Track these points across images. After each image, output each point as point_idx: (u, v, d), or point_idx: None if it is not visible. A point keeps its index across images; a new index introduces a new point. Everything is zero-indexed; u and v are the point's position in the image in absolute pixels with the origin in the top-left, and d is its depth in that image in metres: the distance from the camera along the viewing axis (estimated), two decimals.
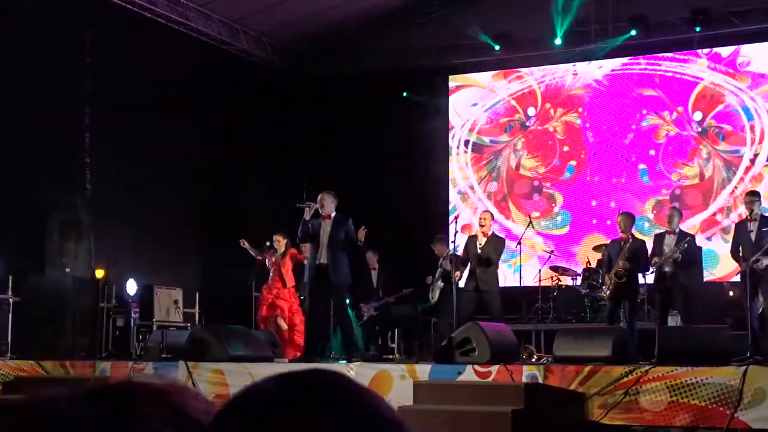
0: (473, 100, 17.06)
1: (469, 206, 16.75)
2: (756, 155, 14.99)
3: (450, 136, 17.12)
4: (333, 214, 11.08)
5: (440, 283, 12.94)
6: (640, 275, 11.94)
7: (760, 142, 14.98)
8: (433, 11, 16.40)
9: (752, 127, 15.04)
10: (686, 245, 11.40)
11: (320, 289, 11.02)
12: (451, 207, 16.86)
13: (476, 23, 15.98)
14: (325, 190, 11.26)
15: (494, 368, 8.81)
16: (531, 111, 16.54)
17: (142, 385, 1.09)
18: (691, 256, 11.63)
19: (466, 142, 17.04)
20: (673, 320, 11.88)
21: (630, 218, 12.09)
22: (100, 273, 13.37)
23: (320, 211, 11.05)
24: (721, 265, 14.59)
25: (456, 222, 12.43)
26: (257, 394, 1.07)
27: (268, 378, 1.08)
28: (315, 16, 16.15)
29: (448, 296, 12.81)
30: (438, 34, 16.40)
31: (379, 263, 14.36)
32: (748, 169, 15.00)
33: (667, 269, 11.50)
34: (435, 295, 13.02)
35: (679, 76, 15.55)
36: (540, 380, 8.57)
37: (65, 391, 1.08)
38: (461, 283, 12.15)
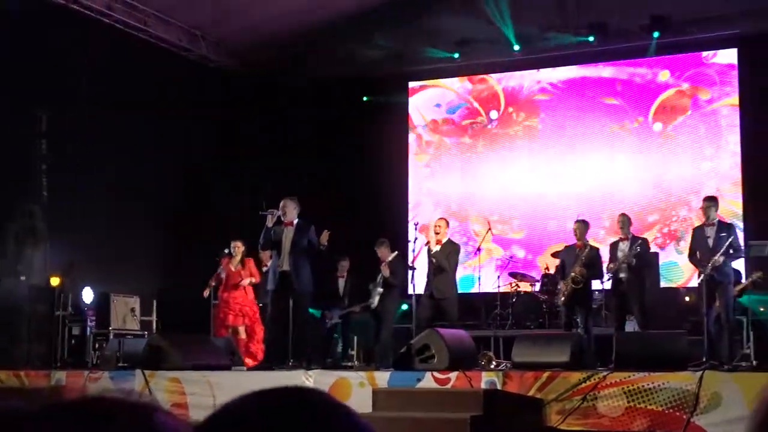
0: (436, 100, 17.07)
1: (428, 208, 16.67)
2: (712, 168, 15.07)
3: (412, 137, 17.11)
4: (295, 221, 11.07)
5: (380, 289, 12.91)
6: (597, 282, 12.06)
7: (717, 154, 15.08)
8: (396, 17, 16.40)
9: (710, 140, 15.12)
10: (638, 248, 11.51)
11: (282, 296, 10.99)
12: (410, 208, 16.81)
13: (437, 30, 16.04)
14: (288, 197, 11.23)
15: (453, 375, 8.83)
16: (493, 114, 16.56)
17: (117, 401, 1.07)
18: (644, 261, 11.75)
19: (428, 143, 17.04)
20: (631, 326, 11.98)
21: (585, 225, 12.25)
22: (55, 281, 13.22)
23: (282, 218, 11.03)
24: (677, 273, 14.70)
25: (416, 225, 12.40)
26: (234, 413, 1.06)
27: (245, 396, 1.06)
28: (275, 23, 16.10)
29: (386, 302, 12.87)
30: (400, 41, 16.42)
31: (348, 272, 14.34)
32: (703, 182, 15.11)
33: (622, 275, 11.61)
34: (375, 301, 12.98)
35: (639, 83, 15.63)
36: (499, 386, 8.59)
37: (39, 403, 1.06)
38: (419, 289, 12.19)
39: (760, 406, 1.39)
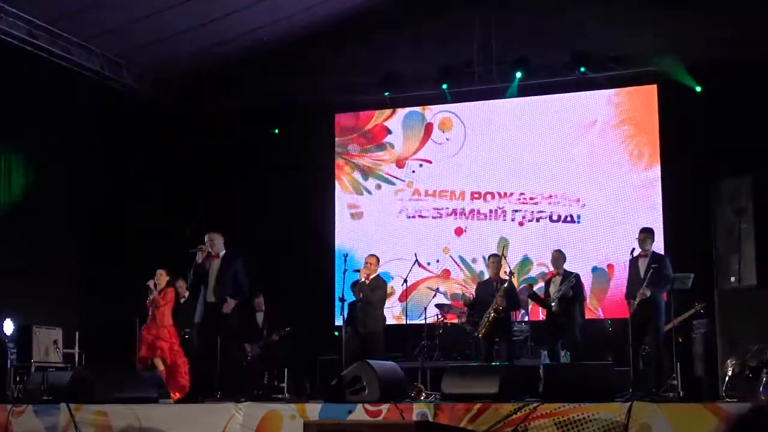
0: (359, 132, 17.06)
1: (357, 242, 16.64)
2: (635, 200, 15.35)
3: (337, 167, 17.08)
4: (221, 253, 11.12)
5: None
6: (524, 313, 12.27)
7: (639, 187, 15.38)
8: (320, 49, 16.46)
9: (633, 173, 15.41)
10: (573, 281, 11.72)
11: (209, 328, 10.96)
12: (336, 240, 16.75)
13: (364, 62, 16.14)
14: (213, 230, 11.28)
15: (384, 407, 8.82)
16: (417, 147, 16.62)
17: None
18: (577, 294, 11.96)
19: (353, 175, 17.00)
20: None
21: (499, 260, 12.52)
22: None
23: (210, 250, 11.06)
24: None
25: (345, 257, 12.45)
26: None
27: None
28: (199, 54, 16.06)
29: None
30: (325, 72, 16.47)
31: (265, 305, 14.34)
32: None
33: (554, 308, 11.80)
34: None
35: (563, 116, 15.85)
36: (430, 418, 8.60)
37: None
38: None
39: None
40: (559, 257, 12.29)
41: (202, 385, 10.98)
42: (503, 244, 14.94)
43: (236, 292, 11.16)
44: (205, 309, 11.08)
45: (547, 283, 12.34)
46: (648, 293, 11.01)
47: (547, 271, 14.60)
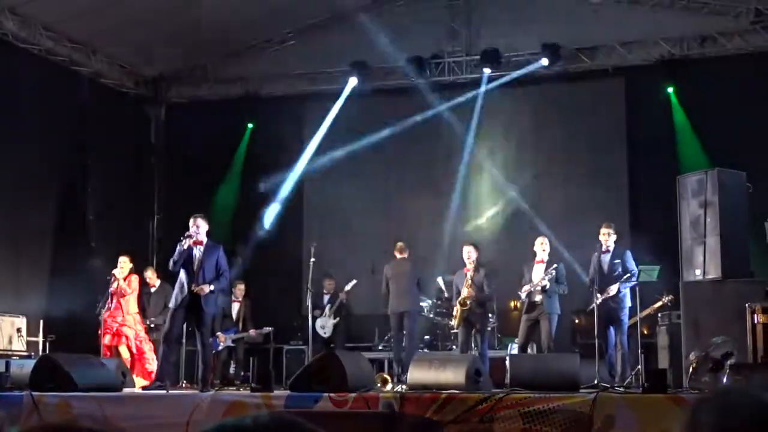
0: (331, 120, 16.98)
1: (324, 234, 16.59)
2: (601, 193, 15.43)
3: (306, 157, 17.00)
4: (205, 241, 10.84)
5: (333, 320, 13.28)
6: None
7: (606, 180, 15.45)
8: (289, 38, 16.41)
9: (600, 164, 15.50)
10: (554, 272, 11.72)
11: (186, 315, 10.79)
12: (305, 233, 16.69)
13: (334, 51, 16.10)
14: (199, 215, 10.95)
15: (351, 396, 8.80)
16: (389, 135, 16.59)
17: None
18: (559, 282, 11.97)
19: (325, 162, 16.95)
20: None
21: (476, 249, 12.44)
22: None
23: (195, 236, 10.76)
24: None
25: (313, 246, 12.35)
26: None
27: (224, 424, 1.06)
28: (170, 41, 15.94)
29: (340, 329, 13.59)
30: (295, 62, 16.42)
31: (244, 296, 14.29)
32: None
33: (537, 298, 11.79)
34: (329, 332, 13.31)
35: (531, 108, 15.90)
36: (396, 408, 8.59)
37: None
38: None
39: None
40: (544, 244, 12.27)
41: (168, 371, 10.85)
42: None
43: (215, 280, 10.92)
44: (187, 297, 10.79)
45: (529, 269, 12.24)
46: (614, 289, 11.10)
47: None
